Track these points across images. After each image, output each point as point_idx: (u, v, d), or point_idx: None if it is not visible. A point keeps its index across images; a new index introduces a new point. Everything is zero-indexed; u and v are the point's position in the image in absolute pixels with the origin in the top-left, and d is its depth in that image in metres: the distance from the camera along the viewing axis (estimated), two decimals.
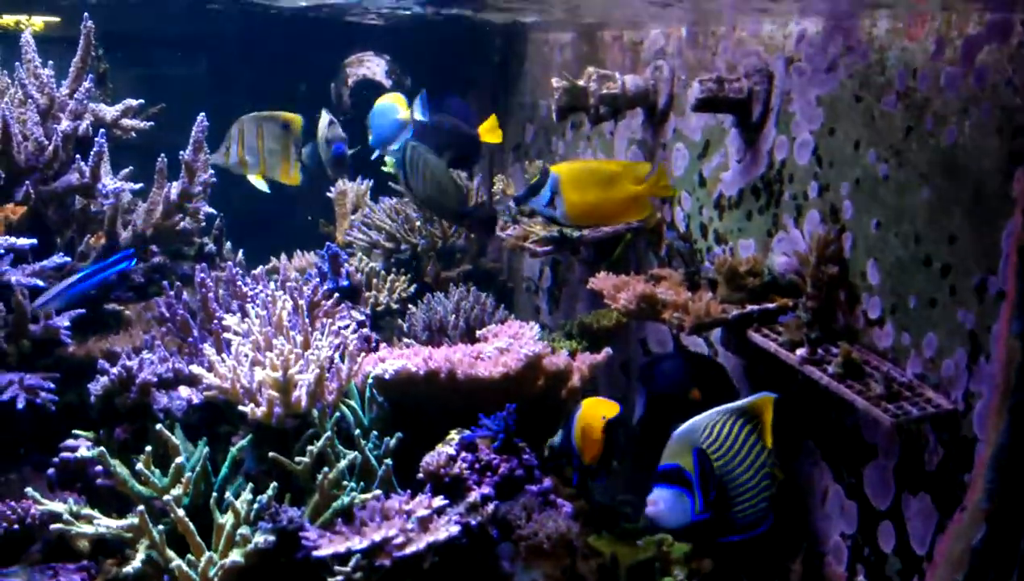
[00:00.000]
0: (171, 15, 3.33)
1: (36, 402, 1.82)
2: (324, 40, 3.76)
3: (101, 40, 3.73)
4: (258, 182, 2.40)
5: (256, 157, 2.37)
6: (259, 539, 1.59)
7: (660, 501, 1.76)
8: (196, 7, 3.13)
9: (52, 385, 1.87)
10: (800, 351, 2.06)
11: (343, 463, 1.72)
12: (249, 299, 2.00)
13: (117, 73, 3.48)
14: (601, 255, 3.09)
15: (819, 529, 2.20)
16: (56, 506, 1.63)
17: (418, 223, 2.96)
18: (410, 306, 2.59)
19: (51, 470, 1.81)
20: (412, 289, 2.79)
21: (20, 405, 1.80)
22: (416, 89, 3.77)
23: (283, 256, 2.99)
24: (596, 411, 2.29)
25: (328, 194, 3.25)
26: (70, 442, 1.83)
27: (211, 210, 2.29)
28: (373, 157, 2.74)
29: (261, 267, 2.28)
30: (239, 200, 2.87)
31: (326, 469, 1.69)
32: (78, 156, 1.96)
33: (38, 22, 3.66)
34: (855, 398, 1.90)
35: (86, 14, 2.13)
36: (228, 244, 2.64)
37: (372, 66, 3.54)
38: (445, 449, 1.84)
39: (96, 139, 1.95)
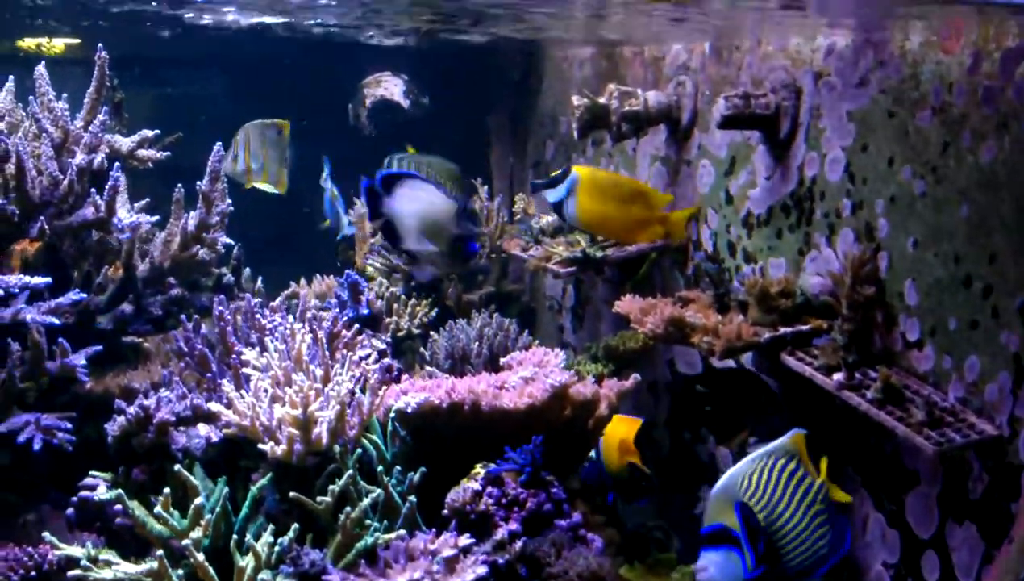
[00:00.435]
0: (190, 37, 3.33)
1: (53, 443, 1.78)
2: (344, 60, 3.75)
3: (120, 62, 3.80)
4: (265, 187, 2.34)
5: (261, 164, 2.31)
6: None
7: (710, 565, 1.67)
8: (214, 29, 3.14)
9: (68, 425, 1.83)
10: (837, 376, 1.99)
11: (366, 502, 1.67)
12: (268, 332, 1.96)
13: (137, 94, 3.53)
14: (626, 274, 3.03)
15: (860, 558, 2.12)
16: (74, 550, 1.59)
17: None
18: (432, 333, 2.54)
19: (70, 510, 1.77)
20: (434, 313, 2.74)
21: (36, 447, 1.76)
22: (436, 108, 3.76)
23: (303, 281, 2.95)
24: (620, 430, 2.24)
25: (346, 217, 3.22)
26: (88, 481, 1.79)
27: (228, 241, 2.25)
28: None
29: (281, 296, 2.24)
30: (257, 223, 2.84)
31: (348, 509, 1.64)
32: (93, 190, 1.94)
33: (59, 44, 3.66)
34: (896, 425, 1.83)
35: (100, 44, 2.10)
36: (247, 271, 2.60)
37: (390, 86, 3.51)
38: (470, 484, 1.78)
39: (111, 173, 1.92)
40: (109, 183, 1.92)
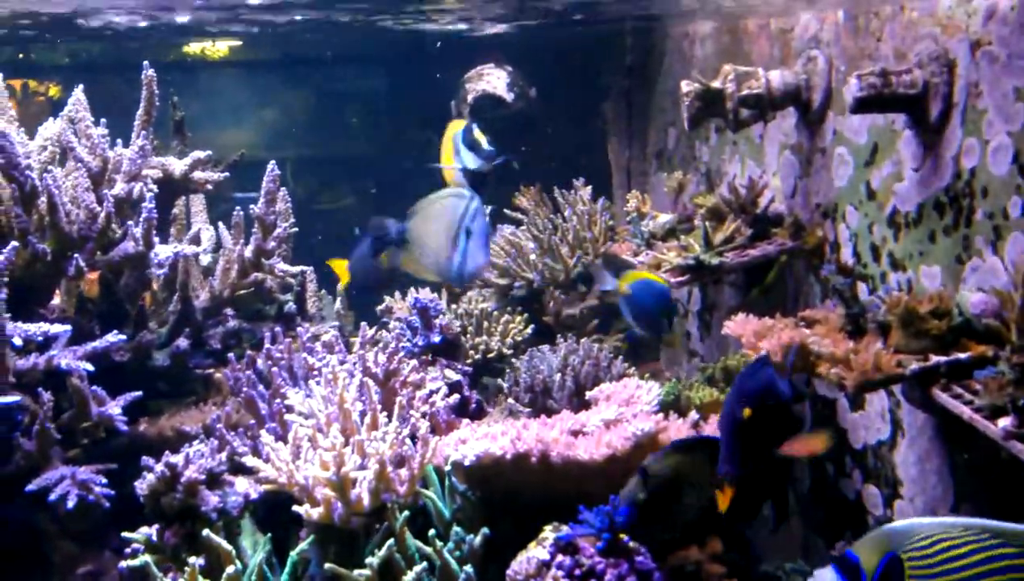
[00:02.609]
0: (343, 37, 3.30)
1: (89, 499, 1.69)
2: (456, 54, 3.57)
3: (280, 63, 3.88)
4: None
5: None
6: None
7: None
8: (367, 28, 3.08)
9: (104, 480, 1.73)
10: (1004, 422, 1.58)
11: (410, 577, 1.46)
12: (316, 372, 1.79)
13: (293, 92, 3.54)
14: (752, 279, 2.67)
15: None
16: None
17: (533, 257, 2.65)
18: (514, 360, 2.29)
19: (122, 565, 1.67)
20: (528, 331, 2.48)
21: (71, 504, 1.67)
22: (545, 100, 3.50)
23: (397, 295, 2.78)
24: None
25: None
26: (138, 532, 1.68)
27: (287, 267, 2.09)
28: None
29: (331, 331, 2.05)
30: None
31: None
32: (129, 223, 1.83)
33: (222, 48, 3.72)
34: None
35: (146, 63, 1.99)
36: (317, 298, 2.44)
37: (492, 80, 3.27)
38: (536, 553, 1.53)
39: (144, 205, 1.80)
40: (143, 215, 1.80)
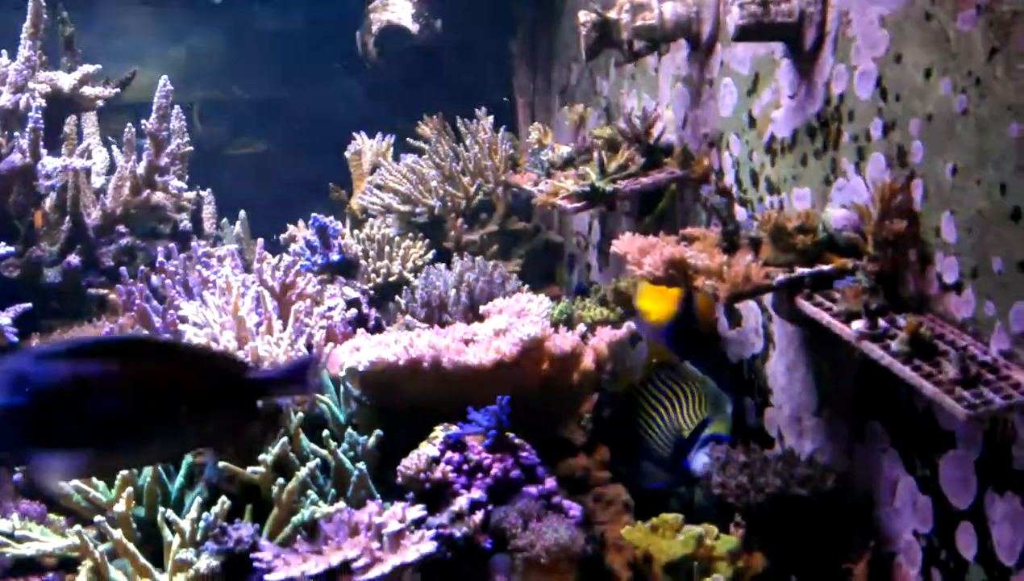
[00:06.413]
0: None
1: None
2: None
3: None
4: None
5: None
6: (201, 564, 1.41)
7: None
8: None
9: None
10: (857, 324, 1.72)
11: (303, 472, 1.52)
12: (210, 285, 1.81)
13: (209, 30, 3.45)
14: (645, 208, 2.78)
15: (888, 525, 1.89)
16: None
17: (434, 183, 2.69)
18: (413, 279, 2.35)
19: (16, 475, 1.68)
20: (430, 256, 2.54)
21: None
22: (452, 33, 3.50)
23: (300, 223, 2.80)
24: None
25: (346, 154, 3.02)
26: None
27: (181, 184, 2.08)
28: None
29: (227, 247, 2.08)
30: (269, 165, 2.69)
31: (281, 480, 1.50)
32: (16, 135, 1.79)
33: None
34: (922, 383, 1.57)
35: None
36: (211, 219, 2.43)
37: (397, 9, 3.26)
38: (426, 450, 1.61)
39: (30, 114, 1.77)
40: (29, 125, 1.77)
